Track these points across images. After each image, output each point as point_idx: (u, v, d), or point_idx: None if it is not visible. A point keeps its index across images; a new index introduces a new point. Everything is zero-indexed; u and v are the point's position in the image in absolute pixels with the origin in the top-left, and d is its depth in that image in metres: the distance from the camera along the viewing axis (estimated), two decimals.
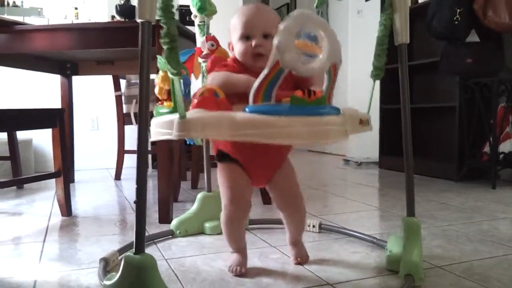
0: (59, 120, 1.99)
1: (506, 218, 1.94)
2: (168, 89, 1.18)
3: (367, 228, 1.79)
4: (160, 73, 1.19)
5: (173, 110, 1.16)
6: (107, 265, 1.31)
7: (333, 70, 1.01)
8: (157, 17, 0.98)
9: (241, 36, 1.19)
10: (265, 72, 0.95)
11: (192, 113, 0.98)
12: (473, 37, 2.81)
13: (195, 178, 2.81)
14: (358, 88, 4.35)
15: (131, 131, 3.43)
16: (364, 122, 1.15)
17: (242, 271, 1.28)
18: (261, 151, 1.18)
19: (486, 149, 2.81)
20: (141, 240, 0.98)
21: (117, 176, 3.22)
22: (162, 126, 1.07)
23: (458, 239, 1.62)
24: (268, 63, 0.94)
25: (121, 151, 3.23)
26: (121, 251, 1.45)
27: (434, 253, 1.46)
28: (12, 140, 2.85)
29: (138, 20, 0.96)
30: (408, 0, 1.24)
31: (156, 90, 1.22)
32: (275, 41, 0.92)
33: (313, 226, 1.73)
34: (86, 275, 1.30)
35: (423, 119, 3.56)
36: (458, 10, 2.70)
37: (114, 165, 3.27)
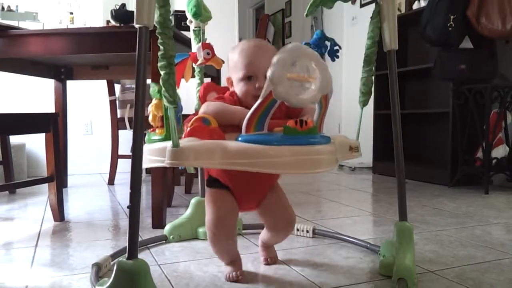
0: (52, 125, 1.99)
1: (499, 223, 1.95)
2: (161, 116, 1.18)
3: (361, 233, 1.80)
4: (154, 100, 1.20)
5: (165, 138, 1.17)
6: (99, 270, 1.31)
7: (324, 101, 1.03)
8: (155, 26, 0.98)
9: (243, 77, 1.20)
10: (258, 102, 0.97)
11: (185, 141, 0.99)
12: (467, 44, 2.83)
13: (188, 183, 2.81)
14: (352, 94, 4.37)
15: (125, 136, 3.43)
16: (353, 149, 1.17)
17: (239, 275, 1.27)
18: (251, 177, 1.17)
19: (479, 154, 2.83)
20: (134, 245, 0.98)
21: (111, 181, 3.21)
22: (154, 154, 1.08)
23: (451, 244, 1.62)
24: (261, 94, 0.96)
25: (115, 156, 3.22)
26: (114, 256, 1.44)
27: (427, 257, 1.47)
28: (4, 144, 2.84)
29: (136, 25, 0.97)
30: (396, 7, 1.25)
31: (150, 118, 1.23)
32: (269, 73, 0.94)
33: (307, 231, 1.73)
34: (78, 280, 1.30)
35: (416, 125, 3.57)
36: (452, 17, 2.72)
37: (108, 170, 3.26)
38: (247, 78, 1.19)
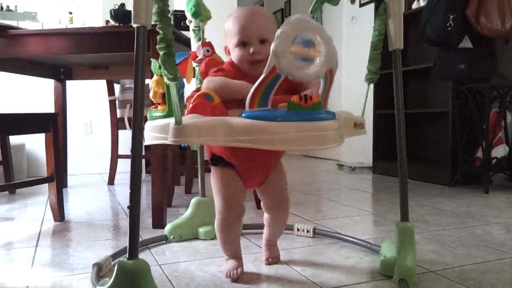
0: (52, 125, 1.99)
1: (499, 223, 1.95)
2: (163, 93, 1.18)
3: (361, 233, 1.80)
4: (155, 77, 1.19)
5: (167, 114, 1.16)
6: (100, 270, 1.31)
7: (329, 75, 1.02)
8: (153, 22, 0.98)
9: (238, 43, 1.19)
10: (261, 77, 0.95)
11: (188, 118, 0.98)
12: (466, 43, 2.83)
13: (188, 183, 2.81)
14: (352, 93, 4.37)
15: (125, 136, 3.42)
16: (358, 125, 1.16)
17: (239, 273, 1.27)
18: (256, 155, 1.18)
19: (479, 154, 2.83)
20: (135, 245, 0.98)
21: (111, 181, 3.21)
22: (157, 130, 1.07)
23: (451, 244, 1.62)
24: (265, 69, 0.95)
25: (115, 156, 3.22)
26: (114, 256, 1.44)
27: (427, 257, 1.47)
28: (4, 144, 2.84)
29: (134, 25, 0.97)
30: (402, 6, 1.25)
31: (151, 94, 1.22)
32: (272, 46, 0.93)
33: (307, 231, 1.73)
34: (79, 280, 1.30)
35: (416, 124, 3.57)
36: (451, 17, 2.72)
37: (108, 170, 3.26)
38: (242, 44, 1.18)
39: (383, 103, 3.58)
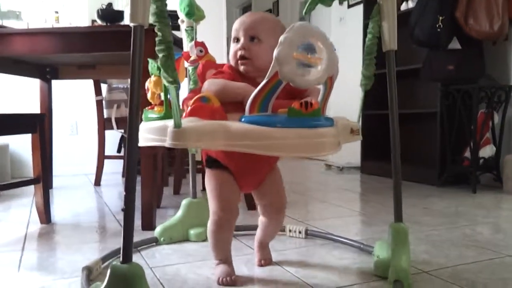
0: (39, 126, 1.94)
1: (489, 223, 1.97)
2: (160, 93, 1.16)
3: (353, 233, 1.79)
4: (152, 77, 1.17)
5: (164, 116, 1.14)
6: (90, 274, 1.28)
7: (329, 82, 1.02)
8: (150, 21, 0.96)
9: (232, 40, 1.20)
10: (263, 82, 0.95)
11: (186, 121, 0.97)
12: (455, 44, 2.85)
13: (177, 184, 2.78)
14: (339, 94, 4.37)
15: (112, 137, 3.38)
16: (355, 132, 1.16)
17: (233, 279, 1.25)
18: (252, 158, 1.16)
19: (467, 154, 2.85)
20: (129, 249, 0.95)
21: (97, 182, 3.16)
22: (153, 132, 1.05)
23: (442, 244, 1.63)
24: (267, 74, 0.95)
25: (101, 157, 3.17)
26: (104, 259, 1.41)
27: (420, 258, 1.47)
28: None
29: (130, 24, 0.94)
30: (395, 7, 1.25)
31: (149, 95, 1.20)
32: (275, 53, 0.93)
33: (299, 232, 1.72)
34: (69, 284, 1.27)
35: (404, 125, 3.58)
36: (441, 18, 2.74)
37: (94, 171, 3.21)
38: (235, 40, 1.20)
39: (372, 104, 3.58)
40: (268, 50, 1.09)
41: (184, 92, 1.47)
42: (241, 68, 1.18)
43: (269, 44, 1.13)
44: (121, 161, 3.41)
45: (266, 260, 1.41)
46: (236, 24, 1.19)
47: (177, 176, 2.78)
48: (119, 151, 3.61)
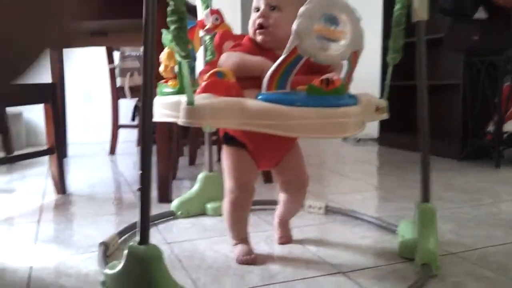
0: (51, 95, 1.90)
1: None
2: (174, 66, 1.09)
3: (373, 210, 1.75)
4: (166, 49, 1.10)
5: (178, 91, 1.08)
6: (107, 250, 1.25)
7: (354, 57, 0.95)
8: None
9: (253, 9, 1.13)
10: (282, 57, 0.88)
11: (200, 98, 0.91)
12: (481, 14, 2.71)
13: (192, 155, 2.74)
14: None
15: (125, 105, 3.33)
16: (380, 110, 1.10)
17: (253, 258, 1.21)
18: (270, 137, 1.10)
19: (490, 128, 2.76)
20: (146, 231, 0.91)
21: (112, 151, 3.14)
22: (167, 108, 1.00)
23: (469, 223, 1.57)
24: (286, 49, 0.88)
25: (116, 126, 3.14)
26: (121, 234, 1.39)
27: (446, 238, 1.41)
28: (1, 114, 2.74)
29: None
30: None
31: (161, 68, 1.14)
32: (294, 26, 0.86)
33: (319, 208, 1.67)
34: (85, 260, 1.24)
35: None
36: None
37: (108, 139, 3.18)
38: (256, 10, 1.13)
39: (391, 74, 3.48)
40: (289, 20, 1.01)
41: (200, 63, 1.40)
42: (259, 38, 1.11)
43: (291, 13, 1.05)
44: (135, 129, 3.38)
45: (286, 237, 1.37)
46: None
47: (192, 146, 2.74)
48: (133, 119, 3.58)
